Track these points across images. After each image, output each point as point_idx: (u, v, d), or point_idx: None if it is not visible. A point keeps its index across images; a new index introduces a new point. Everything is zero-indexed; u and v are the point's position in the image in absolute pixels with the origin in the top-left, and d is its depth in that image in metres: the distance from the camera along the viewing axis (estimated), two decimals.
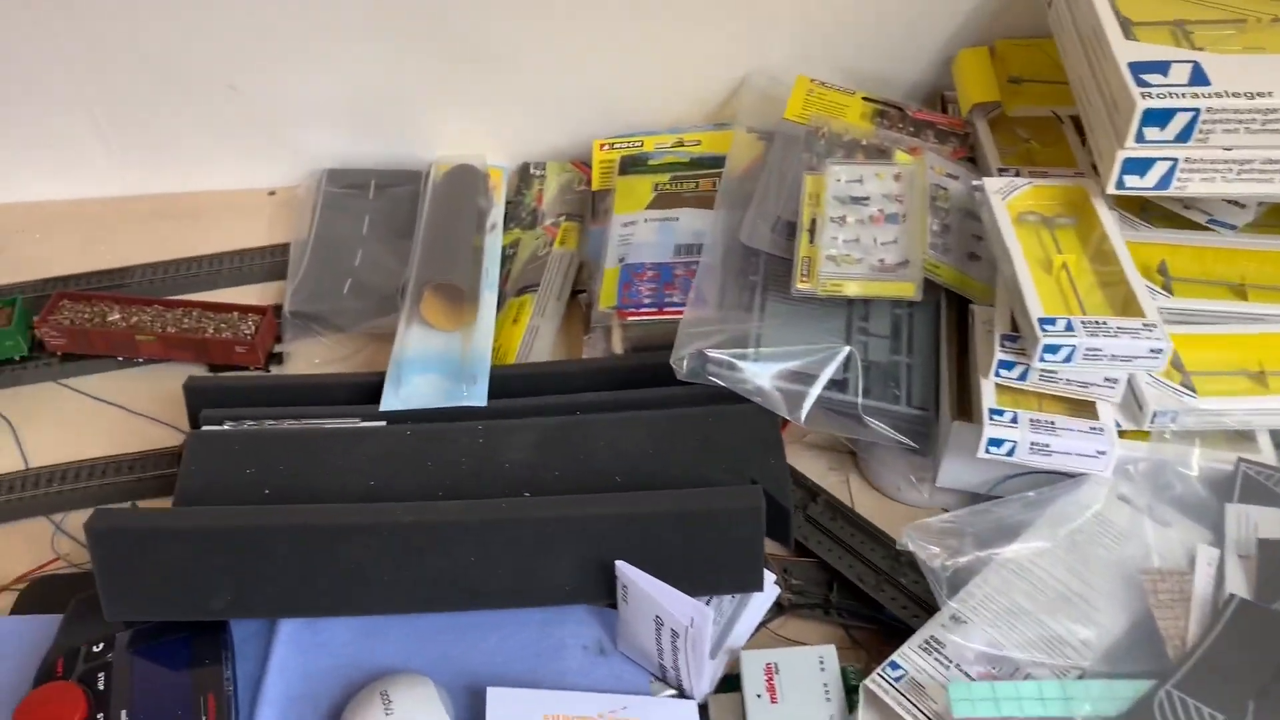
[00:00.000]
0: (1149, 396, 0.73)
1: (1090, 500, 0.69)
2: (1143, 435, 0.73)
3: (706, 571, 0.68)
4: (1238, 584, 0.63)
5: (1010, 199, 0.81)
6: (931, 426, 0.78)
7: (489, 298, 0.91)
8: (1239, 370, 0.76)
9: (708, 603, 0.70)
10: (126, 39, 0.98)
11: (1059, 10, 0.89)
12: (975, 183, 0.83)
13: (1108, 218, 0.78)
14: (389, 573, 0.67)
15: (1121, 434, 0.73)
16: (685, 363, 0.76)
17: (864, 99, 0.99)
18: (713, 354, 0.75)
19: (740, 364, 0.76)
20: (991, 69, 0.98)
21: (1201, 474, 0.71)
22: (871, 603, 0.73)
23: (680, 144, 1.02)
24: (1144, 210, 0.87)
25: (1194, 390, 0.74)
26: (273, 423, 0.77)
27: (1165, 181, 0.76)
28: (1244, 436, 0.74)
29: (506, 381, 0.82)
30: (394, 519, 0.66)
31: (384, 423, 0.77)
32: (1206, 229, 0.85)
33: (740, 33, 1.02)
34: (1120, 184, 0.76)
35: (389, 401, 0.79)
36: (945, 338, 0.81)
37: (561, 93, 1.05)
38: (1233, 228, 0.85)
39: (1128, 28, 0.81)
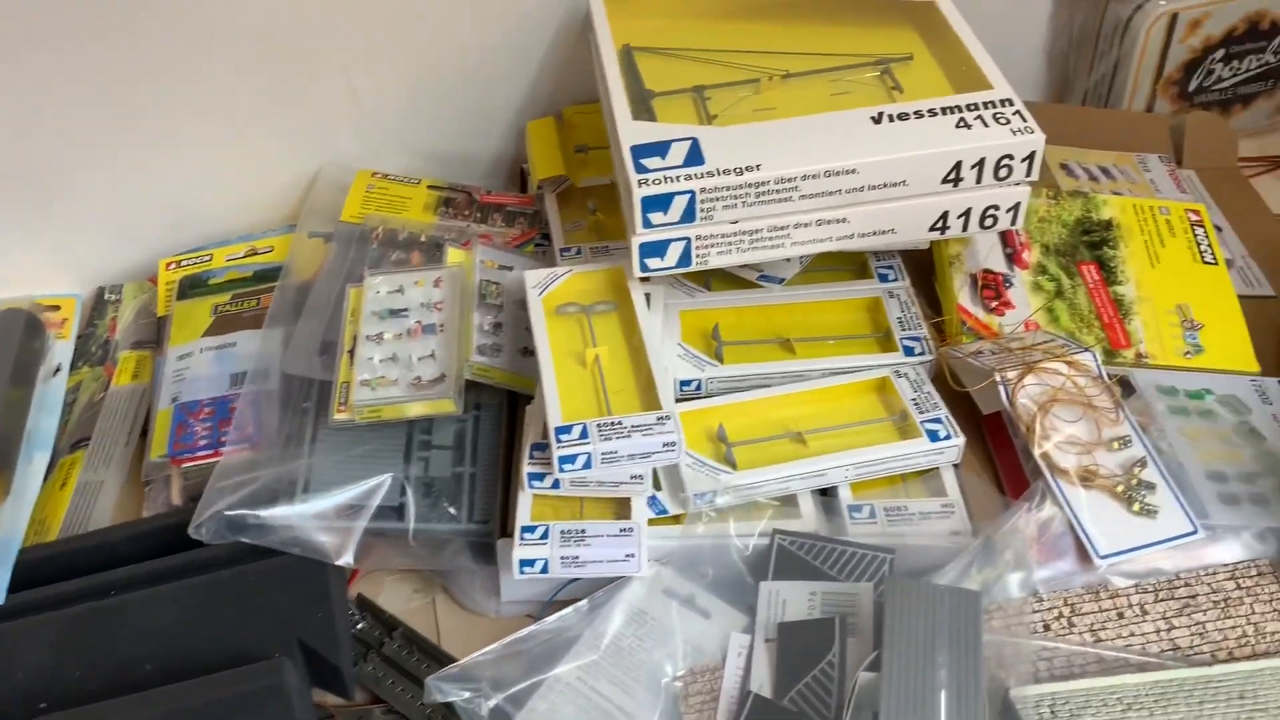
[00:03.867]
0: (687, 478, 0.73)
1: (635, 600, 0.69)
2: (680, 519, 0.73)
3: None
4: (762, 673, 0.64)
5: (549, 291, 0.79)
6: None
7: (39, 460, 0.83)
8: (783, 433, 0.77)
9: None
10: None
11: (599, 81, 0.88)
12: (526, 274, 0.81)
13: (638, 299, 0.78)
14: None
15: (669, 519, 0.73)
16: (205, 530, 0.70)
17: (429, 187, 0.96)
18: (233, 514, 0.70)
19: (272, 514, 0.71)
20: (557, 139, 0.97)
21: (744, 552, 0.71)
22: None
23: (253, 252, 0.96)
24: (707, 273, 0.88)
25: (734, 465, 0.74)
26: None
27: (685, 260, 0.76)
28: (790, 503, 0.75)
29: (39, 566, 0.74)
30: None
31: None
32: (759, 286, 0.86)
33: (304, 126, 0.97)
34: (644, 268, 0.76)
35: None
36: (507, 442, 0.79)
37: (122, 208, 0.97)
38: (779, 281, 0.86)
39: (646, 102, 0.81)
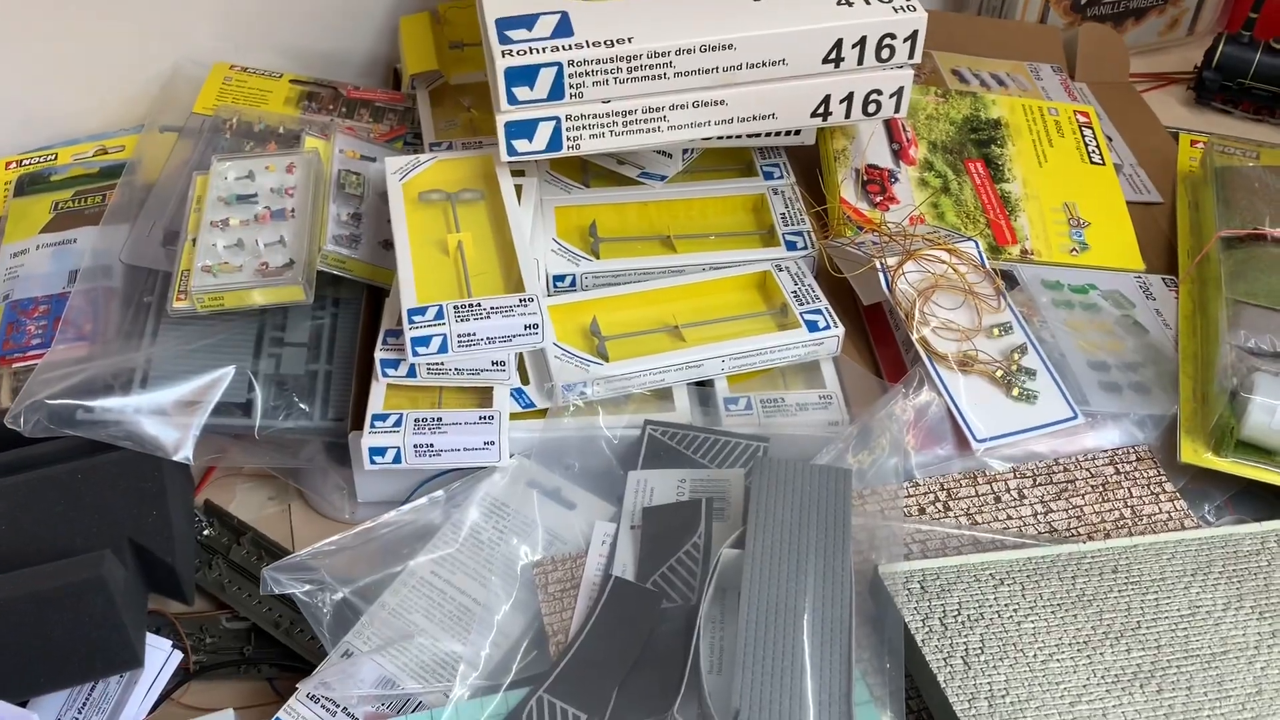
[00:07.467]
0: (555, 369, 0.69)
1: (496, 491, 0.65)
2: (544, 413, 0.69)
3: (66, 658, 0.58)
4: (626, 558, 0.60)
5: (411, 177, 0.74)
6: None
7: None
8: (660, 327, 0.74)
9: (92, 689, 0.61)
10: None
11: None
12: (387, 160, 0.76)
13: (506, 187, 0.73)
14: None
15: (534, 414, 0.69)
16: (25, 419, 0.64)
17: (291, 82, 0.90)
18: (56, 404, 0.64)
19: (102, 405, 0.65)
20: (432, 35, 0.92)
21: (612, 442, 0.67)
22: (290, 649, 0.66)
23: (103, 151, 0.90)
24: (585, 170, 0.84)
25: (605, 357, 0.70)
26: None
27: (556, 143, 0.72)
28: (664, 396, 0.71)
29: None
30: None
31: None
32: (640, 184, 0.83)
33: (159, 18, 0.91)
34: (511, 150, 0.72)
35: None
36: (366, 340, 0.74)
37: None
38: (662, 178, 0.83)
39: None
